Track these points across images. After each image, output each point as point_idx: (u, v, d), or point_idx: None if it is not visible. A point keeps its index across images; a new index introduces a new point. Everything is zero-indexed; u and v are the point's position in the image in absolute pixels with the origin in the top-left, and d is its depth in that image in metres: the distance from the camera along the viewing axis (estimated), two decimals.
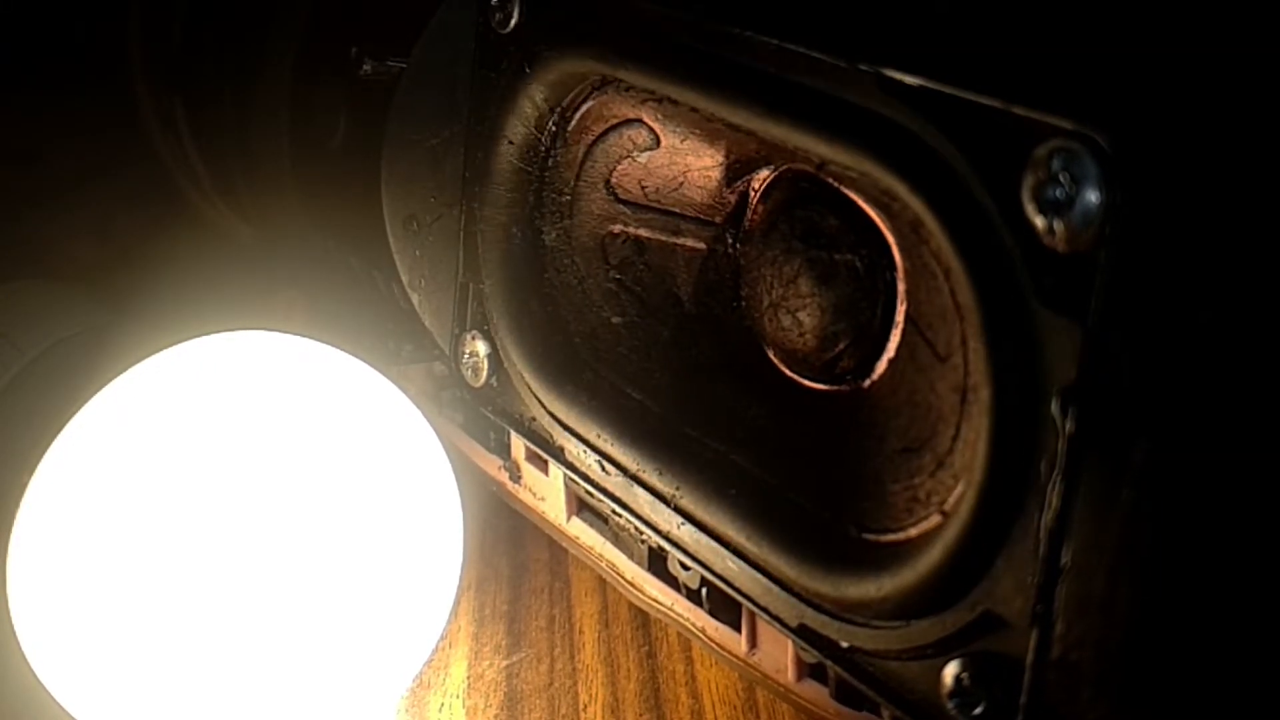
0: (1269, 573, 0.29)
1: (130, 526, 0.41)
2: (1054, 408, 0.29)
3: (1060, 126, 0.28)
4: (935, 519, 0.34)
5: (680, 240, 0.45)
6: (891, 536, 0.36)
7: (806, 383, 0.42)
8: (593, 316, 0.46)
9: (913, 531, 0.35)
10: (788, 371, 0.43)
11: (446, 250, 0.48)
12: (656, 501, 0.42)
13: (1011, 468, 0.31)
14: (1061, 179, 0.28)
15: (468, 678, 0.51)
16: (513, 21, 0.44)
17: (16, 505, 0.41)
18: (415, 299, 0.51)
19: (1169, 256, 0.28)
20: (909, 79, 0.32)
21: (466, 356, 0.48)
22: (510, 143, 0.44)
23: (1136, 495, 0.29)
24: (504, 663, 0.51)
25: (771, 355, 0.43)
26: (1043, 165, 0.29)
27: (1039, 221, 0.29)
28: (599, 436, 0.44)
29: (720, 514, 0.40)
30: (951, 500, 0.33)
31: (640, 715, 0.48)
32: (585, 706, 0.49)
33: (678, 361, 0.45)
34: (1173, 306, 0.28)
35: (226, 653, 0.41)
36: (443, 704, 0.49)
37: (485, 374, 0.48)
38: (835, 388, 0.41)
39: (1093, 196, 0.28)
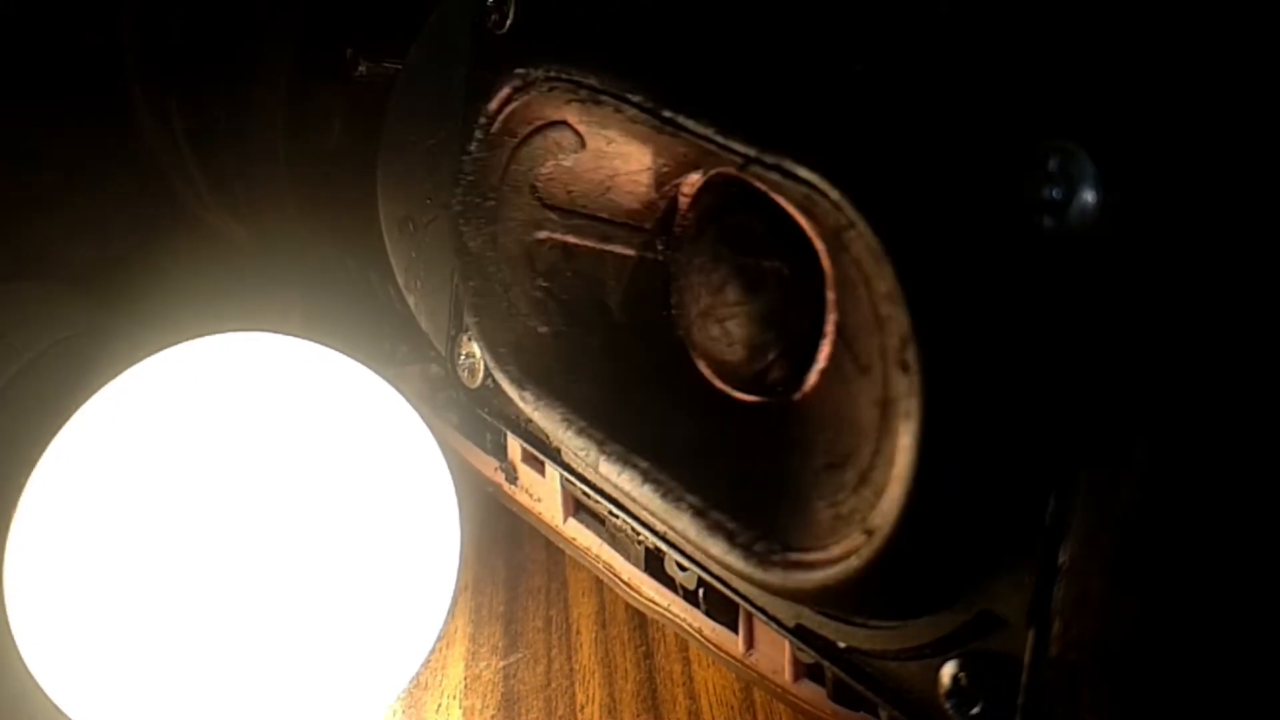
0: (1266, 573, 0.29)
1: (127, 527, 0.40)
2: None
3: (1058, 127, 0.28)
4: (859, 538, 0.32)
5: (609, 246, 0.43)
6: (816, 555, 0.34)
7: (737, 394, 0.40)
8: (518, 326, 0.44)
9: (835, 551, 0.33)
10: (718, 383, 0.41)
11: (442, 251, 0.48)
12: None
13: (935, 484, 0.30)
14: (1059, 179, 0.28)
15: (465, 678, 0.51)
16: (508, 22, 0.44)
17: (14, 506, 0.41)
18: (411, 300, 0.51)
19: (1166, 256, 0.28)
20: (901, 76, 0.32)
21: (462, 358, 0.48)
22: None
23: (1134, 495, 0.29)
24: (501, 663, 0.51)
25: (701, 366, 0.41)
26: (1040, 165, 0.29)
27: (1036, 221, 0.29)
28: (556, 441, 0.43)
29: (671, 523, 0.38)
30: (874, 518, 0.32)
31: (637, 716, 0.48)
32: (582, 707, 0.49)
33: (606, 373, 0.43)
34: (1170, 306, 0.28)
35: (224, 654, 0.41)
36: (440, 704, 0.49)
37: (481, 375, 0.48)
38: (765, 400, 0.39)
39: (1089, 196, 0.28)
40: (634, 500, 0.39)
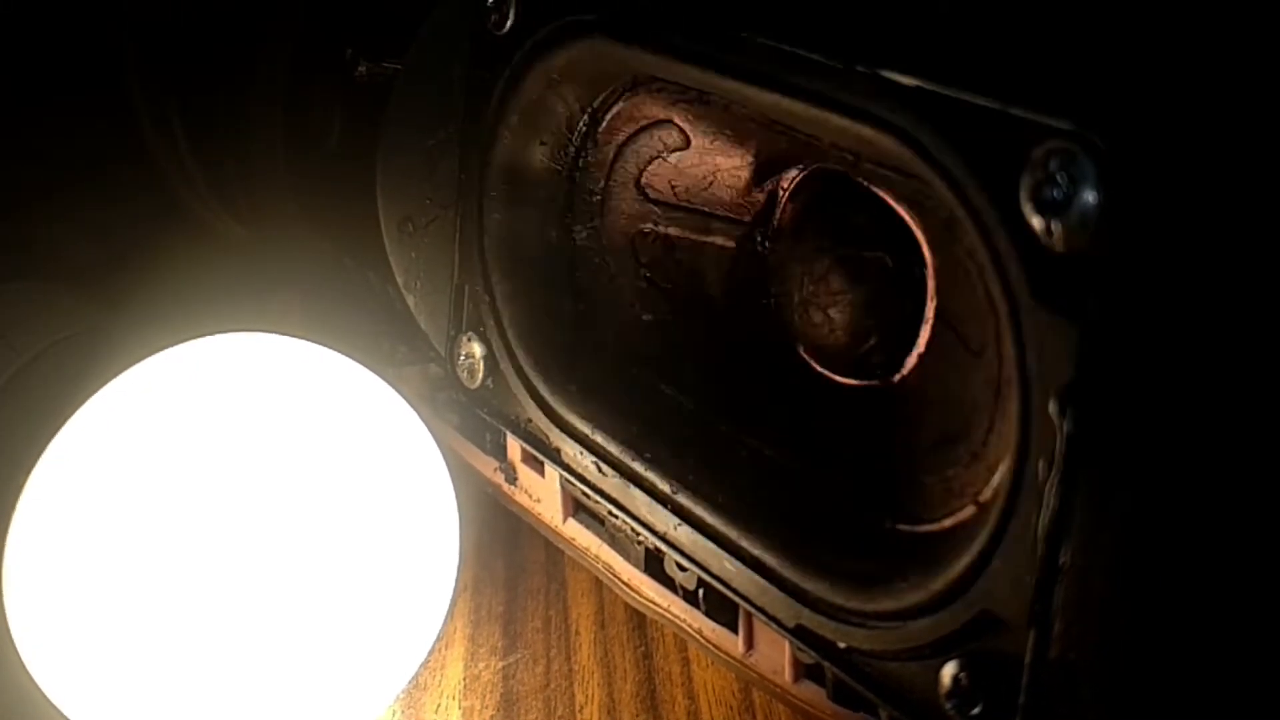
0: (1266, 573, 0.29)
1: (126, 528, 0.40)
2: (1052, 408, 0.29)
3: (1057, 127, 0.28)
4: (970, 509, 0.34)
5: (710, 239, 0.46)
6: (926, 527, 0.36)
7: (836, 378, 0.43)
8: (624, 314, 0.46)
9: (947, 522, 0.35)
10: (817, 367, 0.44)
11: (442, 252, 0.48)
12: (654, 502, 0.42)
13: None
14: (1059, 179, 0.28)
15: (464, 679, 0.51)
16: (509, 23, 0.44)
17: (13, 506, 0.41)
18: (411, 301, 0.51)
19: (1166, 256, 0.28)
20: (905, 80, 0.32)
21: (462, 358, 0.48)
22: (542, 143, 0.45)
23: (1135, 495, 0.29)
24: (500, 664, 0.51)
25: (801, 351, 0.44)
26: (1040, 166, 0.29)
27: (1036, 222, 0.29)
28: (606, 435, 0.44)
29: (744, 516, 0.40)
30: (987, 491, 0.34)
31: (636, 716, 0.48)
32: (581, 708, 0.49)
33: (709, 358, 0.46)
34: (1171, 306, 0.28)
35: (223, 654, 0.41)
36: (439, 705, 0.49)
37: (481, 375, 0.48)
38: (865, 382, 0.42)
39: (1090, 197, 0.28)
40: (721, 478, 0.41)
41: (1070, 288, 0.29)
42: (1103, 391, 0.29)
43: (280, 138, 0.61)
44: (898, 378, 0.41)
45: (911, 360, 0.40)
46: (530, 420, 0.47)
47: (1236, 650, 0.30)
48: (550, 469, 0.48)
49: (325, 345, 0.46)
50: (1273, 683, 0.30)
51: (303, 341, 0.45)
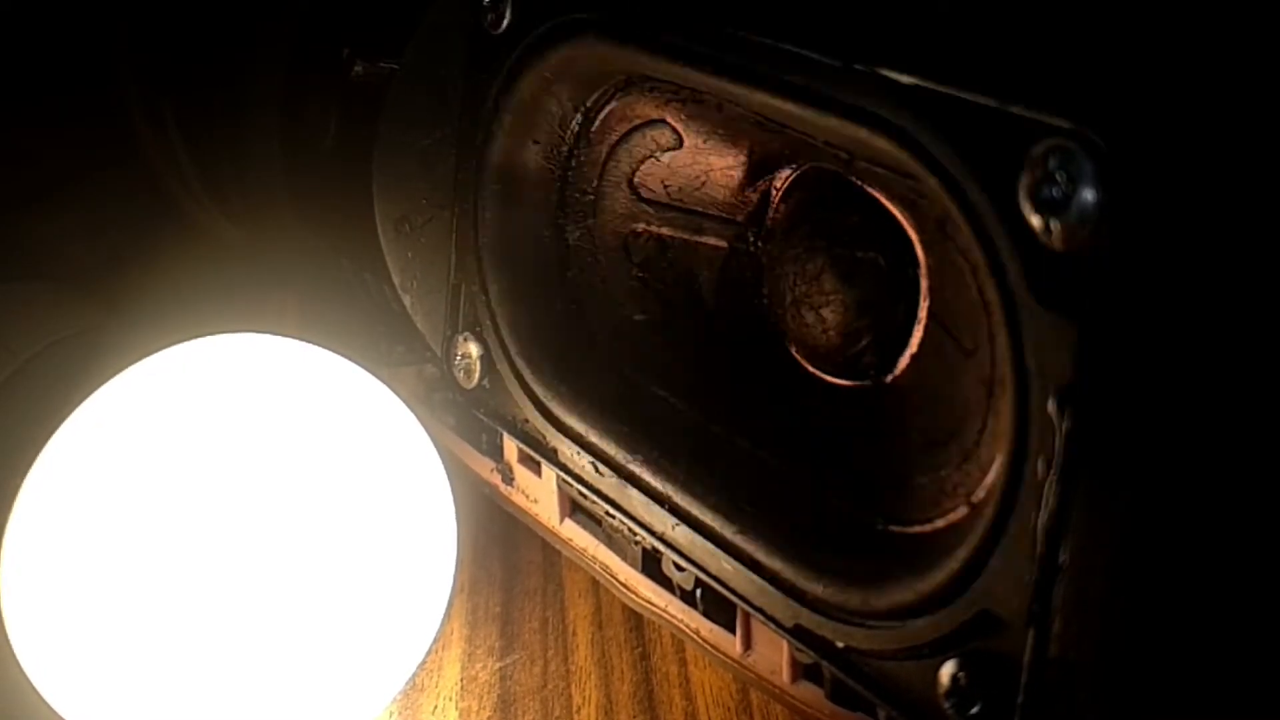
0: (1266, 573, 0.29)
1: (123, 529, 0.40)
2: (1051, 406, 0.29)
3: (1056, 125, 0.28)
4: (962, 510, 0.34)
5: (703, 238, 0.46)
6: (918, 528, 0.36)
7: (829, 378, 0.43)
8: (616, 314, 0.46)
9: (940, 523, 0.35)
10: (810, 367, 0.43)
11: (439, 252, 0.48)
12: (651, 502, 0.42)
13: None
14: (1058, 178, 0.28)
15: (461, 680, 0.50)
16: (505, 23, 0.44)
17: (10, 507, 0.41)
18: (407, 301, 0.51)
19: (1166, 254, 0.28)
20: (903, 79, 0.32)
21: (459, 358, 0.48)
22: (535, 142, 0.45)
23: (1134, 494, 0.29)
24: (497, 665, 0.51)
25: (794, 351, 0.44)
26: (1039, 164, 0.29)
27: (1035, 221, 0.29)
28: (601, 435, 0.44)
29: (739, 516, 0.40)
30: (980, 491, 0.34)
31: (634, 717, 0.48)
32: (579, 709, 0.49)
33: (701, 358, 0.46)
34: (1170, 305, 0.28)
35: (220, 655, 0.41)
36: (436, 706, 0.49)
37: (477, 376, 0.48)
38: (857, 383, 0.42)
39: (1089, 195, 0.28)
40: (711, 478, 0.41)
41: (1069, 286, 0.29)
42: (1102, 390, 0.29)
43: (276, 138, 0.61)
44: (890, 378, 0.40)
45: (904, 360, 0.40)
46: (527, 420, 0.47)
47: (1235, 649, 0.30)
48: (547, 469, 0.48)
49: (321, 346, 0.46)
50: (1271, 682, 0.30)
51: (299, 342, 0.45)
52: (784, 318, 0.44)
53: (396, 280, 0.51)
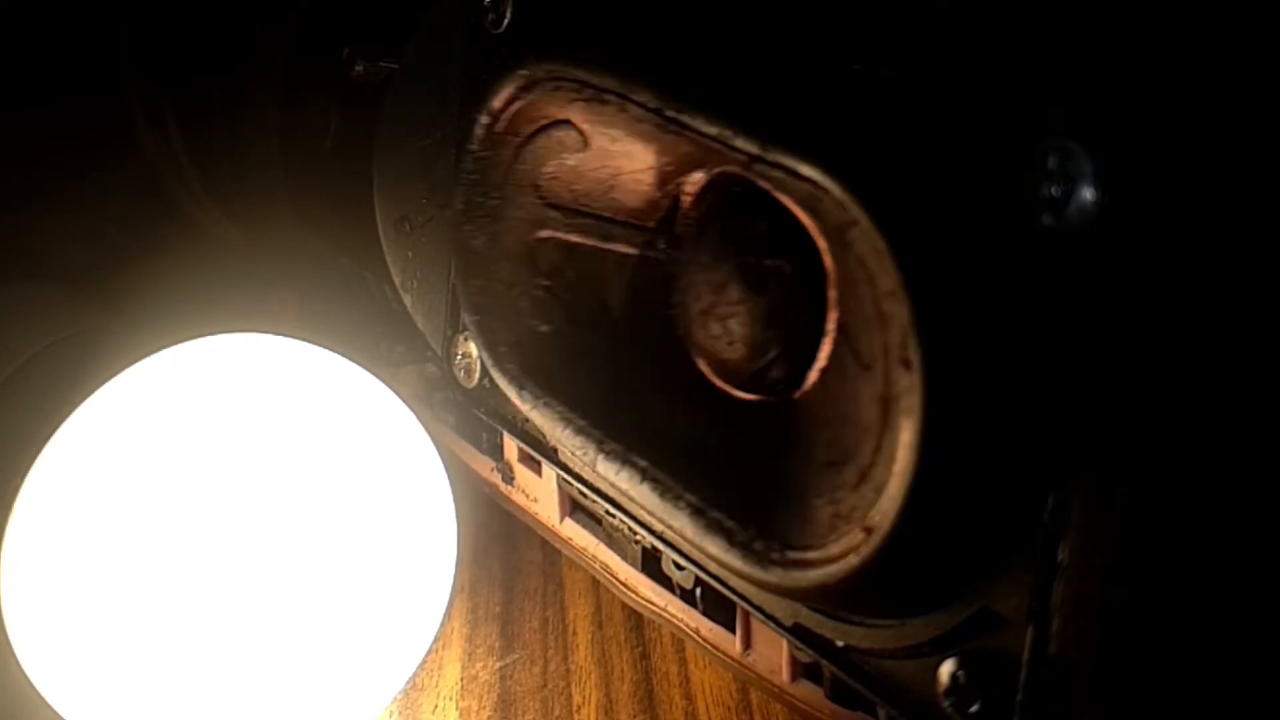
0: (1265, 571, 0.29)
1: (123, 529, 0.40)
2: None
3: (1056, 125, 0.28)
4: (858, 535, 0.32)
5: (611, 245, 0.43)
6: (815, 554, 0.34)
7: (737, 393, 0.40)
8: (519, 325, 0.43)
9: (834, 549, 0.33)
10: (718, 381, 0.41)
11: (439, 251, 0.48)
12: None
13: (936, 482, 0.30)
14: (1058, 177, 0.28)
15: (461, 679, 0.50)
16: (505, 22, 0.44)
17: (10, 507, 0.41)
18: (407, 300, 0.51)
19: (1164, 253, 0.28)
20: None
21: (459, 358, 0.48)
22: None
23: (1134, 493, 0.29)
24: (497, 664, 0.51)
25: (702, 365, 0.41)
26: (1039, 164, 0.29)
27: (1036, 219, 0.29)
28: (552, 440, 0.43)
29: (669, 521, 0.38)
30: (875, 515, 0.32)
31: (634, 717, 0.48)
32: (579, 708, 0.49)
33: (606, 372, 0.43)
34: (1169, 302, 0.28)
35: (220, 655, 0.41)
36: (436, 705, 0.49)
37: (477, 375, 0.48)
38: (765, 398, 0.39)
39: (1088, 194, 0.28)
40: (632, 499, 0.38)
41: (1069, 285, 0.29)
42: (1101, 389, 0.29)
43: (276, 137, 0.61)
44: (798, 394, 0.37)
45: (813, 376, 0.37)
46: (526, 420, 0.46)
47: (1235, 648, 0.30)
48: (547, 468, 0.48)
49: (322, 345, 0.46)
50: (1271, 682, 0.30)
51: (299, 342, 0.45)
52: (691, 329, 0.41)
53: (397, 280, 0.51)
